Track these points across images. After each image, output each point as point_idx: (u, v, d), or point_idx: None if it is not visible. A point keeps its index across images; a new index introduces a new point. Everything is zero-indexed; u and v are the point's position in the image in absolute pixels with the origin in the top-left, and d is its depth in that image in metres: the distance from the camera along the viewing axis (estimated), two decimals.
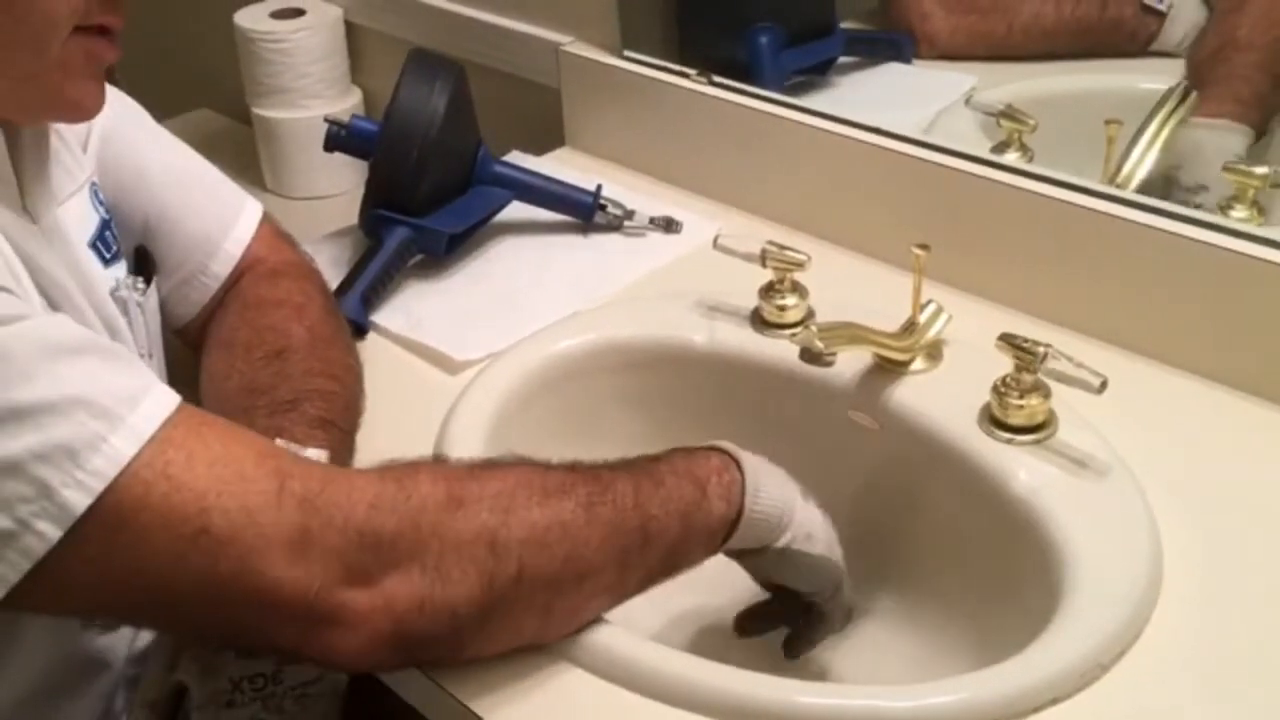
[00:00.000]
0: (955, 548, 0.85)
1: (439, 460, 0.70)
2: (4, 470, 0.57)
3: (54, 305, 0.70)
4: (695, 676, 0.68)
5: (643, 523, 0.69)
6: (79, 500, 0.58)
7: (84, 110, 0.73)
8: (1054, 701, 0.66)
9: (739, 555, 0.76)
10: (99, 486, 0.58)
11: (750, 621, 0.84)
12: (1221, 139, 0.97)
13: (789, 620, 0.82)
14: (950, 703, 0.66)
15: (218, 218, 0.89)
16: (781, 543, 0.74)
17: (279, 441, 0.76)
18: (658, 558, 0.70)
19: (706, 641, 0.88)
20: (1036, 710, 0.66)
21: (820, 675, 0.85)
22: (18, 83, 0.68)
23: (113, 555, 0.60)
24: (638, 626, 0.73)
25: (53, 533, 0.58)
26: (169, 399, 0.63)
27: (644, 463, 0.72)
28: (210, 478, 0.60)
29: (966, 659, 0.78)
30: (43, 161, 0.74)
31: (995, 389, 0.82)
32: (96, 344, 0.64)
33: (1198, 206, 0.93)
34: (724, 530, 0.72)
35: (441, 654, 0.67)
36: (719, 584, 0.91)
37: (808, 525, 0.75)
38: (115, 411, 0.60)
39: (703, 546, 0.72)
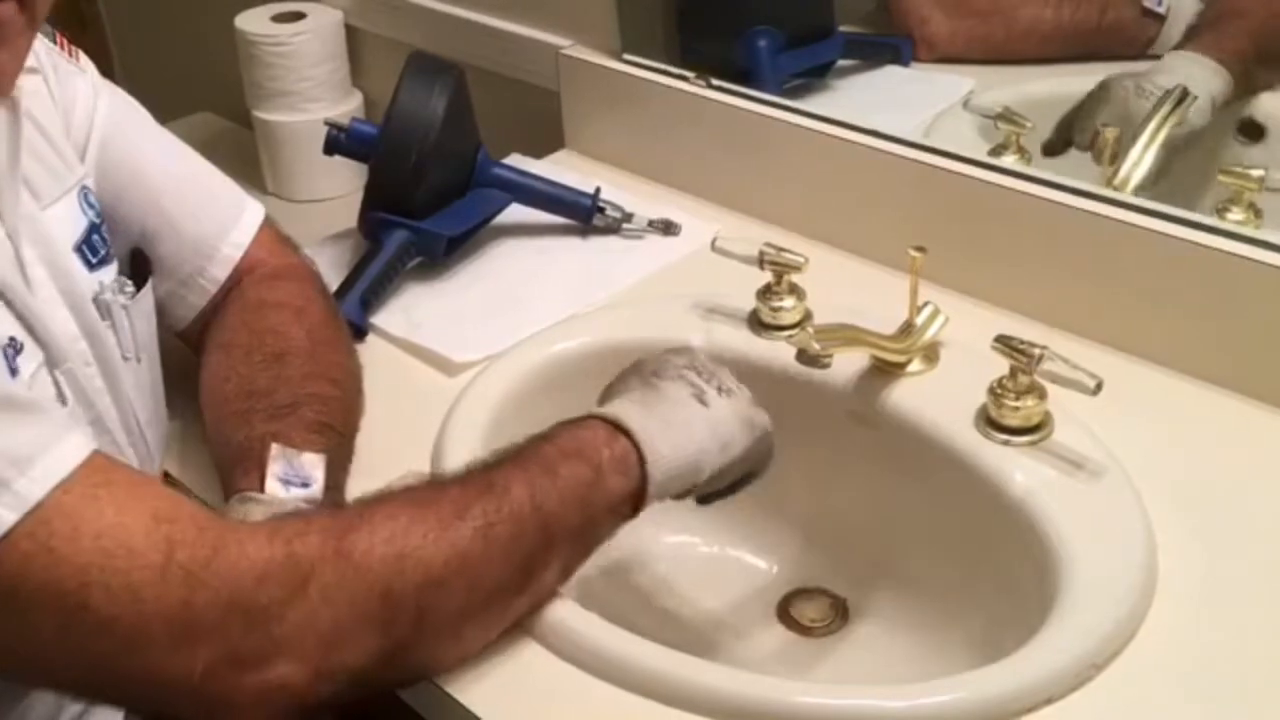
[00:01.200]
0: (951, 548, 0.85)
1: (330, 507, 0.69)
2: None
3: (9, 304, 0.69)
4: (694, 677, 0.68)
5: (543, 523, 0.68)
6: None
7: None
8: (1048, 701, 0.67)
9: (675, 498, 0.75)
10: (9, 521, 0.57)
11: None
12: (1200, 69, 0.99)
13: None
14: (945, 702, 0.66)
15: (217, 221, 0.89)
16: (706, 474, 0.74)
17: (274, 447, 0.76)
18: (566, 551, 0.70)
19: (705, 641, 0.88)
20: (1031, 710, 0.66)
21: (816, 675, 0.85)
22: None
23: (30, 578, 0.58)
24: (635, 627, 0.73)
25: None
26: (69, 458, 0.60)
27: (534, 451, 0.70)
28: (94, 551, 0.58)
29: (962, 659, 0.78)
30: (14, 158, 0.73)
31: (991, 390, 0.82)
32: (14, 398, 0.62)
33: (1149, 96, 0.97)
34: (629, 503, 0.71)
35: (352, 699, 0.65)
36: (717, 584, 0.92)
37: (718, 437, 0.74)
38: (2, 475, 0.58)
39: (609, 523, 0.72)
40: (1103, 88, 1.02)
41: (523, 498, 0.67)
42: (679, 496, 0.75)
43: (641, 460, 0.71)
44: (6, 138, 0.72)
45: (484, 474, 0.69)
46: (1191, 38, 1.02)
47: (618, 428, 0.72)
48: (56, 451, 0.60)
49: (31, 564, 0.58)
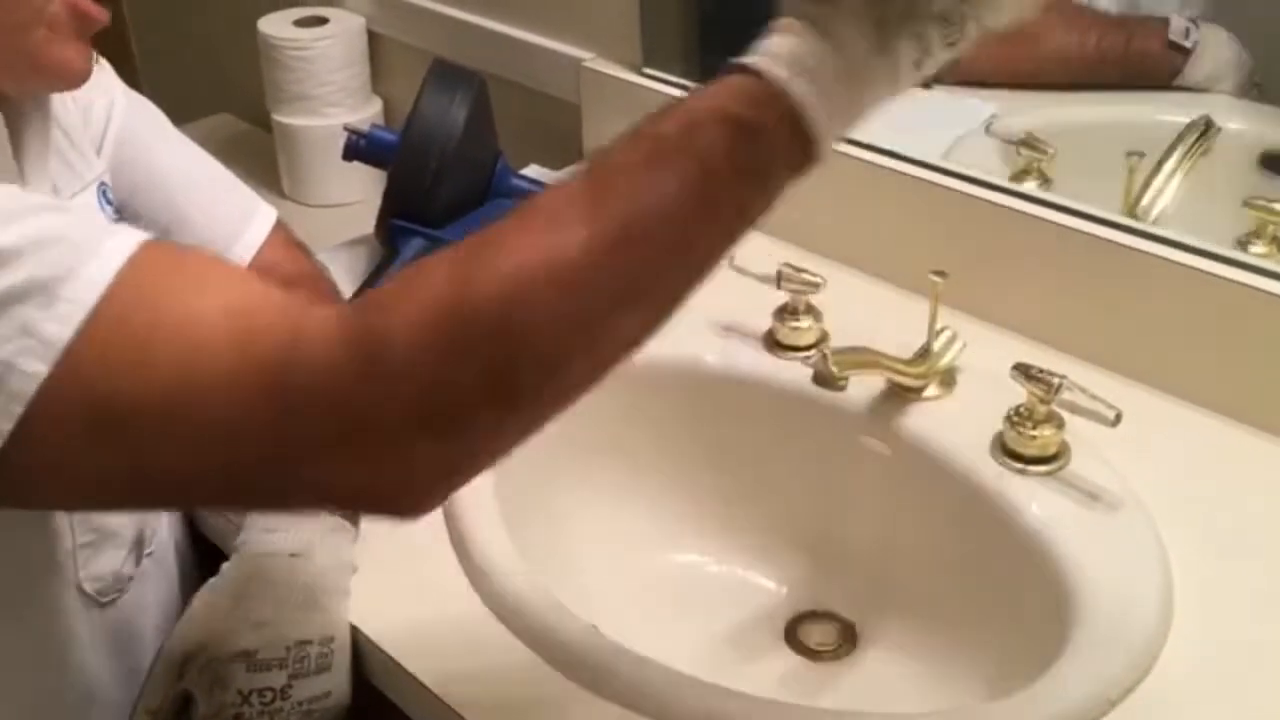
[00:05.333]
0: (964, 577, 0.84)
1: (415, 272, 0.56)
2: None
3: None
4: (706, 703, 0.67)
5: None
6: (60, 333, 0.54)
7: (71, 73, 0.71)
8: None
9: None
10: (79, 316, 0.54)
11: None
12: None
13: None
14: None
15: (229, 222, 0.89)
16: None
17: None
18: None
19: (710, 663, 0.87)
20: None
21: (822, 701, 0.85)
22: (2, 39, 0.67)
23: (90, 414, 0.54)
24: (641, 646, 0.72)
25: (39, 368, 0.53)
26: (136, 234, 0.58)
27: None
28: (175, 352, 0.54)
29: (972, 690, 0.77)
30: (44, 153, 0.74)
31: (1009, 418, 0.82)
32: (55, 202, 0.62)
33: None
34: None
35: (504, 455, 0.57)
36: (725, 605, 0.91)
37: None
38: (86, 245, 0.55)
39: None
40: None
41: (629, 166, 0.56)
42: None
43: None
44: (38, 133, 0.73)
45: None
46: None
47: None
48: (124, 230, 0.57)
49: (116, 374, 0.54)
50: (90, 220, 0.59)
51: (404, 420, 0.54)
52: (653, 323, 0.57)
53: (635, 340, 0.57)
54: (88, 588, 0.78)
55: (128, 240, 0.57)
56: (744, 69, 0.56)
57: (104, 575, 0.78)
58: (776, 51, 0.56)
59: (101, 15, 0.70)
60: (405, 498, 0.57)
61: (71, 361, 0.54)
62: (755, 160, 0.55)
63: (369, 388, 0.54)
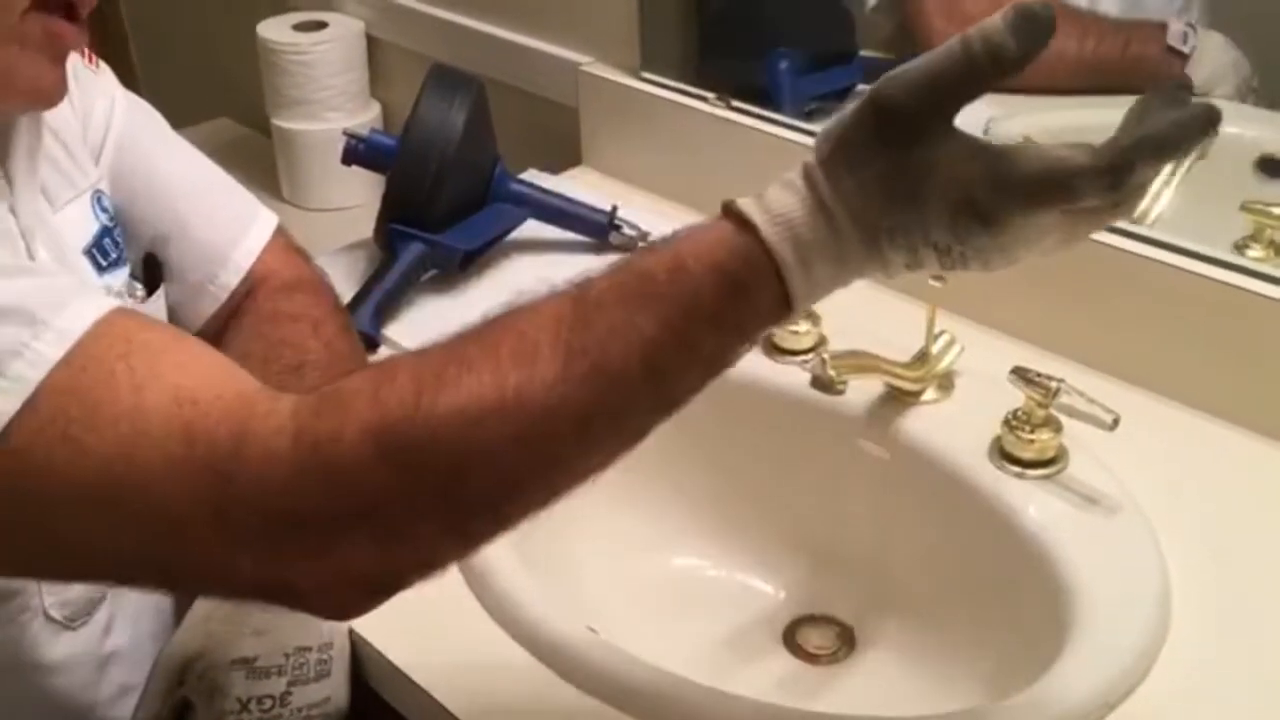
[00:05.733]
0: (963, 580, 0.84)
1: (380, 377, 0.55)
2: None
3: None
4: (705, 706, 0.67)
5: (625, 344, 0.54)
6: (3, 405, 0.53)
7: (42, 95, 0.70)
8: None
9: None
10: (24, 392, 0.54)
11: None
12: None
13: None
14: None
15: (229, 228, 0.89)
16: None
17: None
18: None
19: (709, 666, 0.87)
20: None
21: (820, 704, 0.85)
22: None
23: (10, 492, 0.54)
24: (639, 650, 0.72)
25: None
26: (101, 302, 0.57)
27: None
28: (115, 440, 0.54)
29: (970, 693, 0.77)
30: (34, 161, 0.73)
31: (1006, 422, 0.82)
32: (20, 265, 0.61)
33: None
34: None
35: (440, 574, 0.57)
36: (724, 608, 0.91)
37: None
38: (42, 316, 0.55)
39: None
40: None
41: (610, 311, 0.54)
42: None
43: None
44: (27, 142, 0.73)
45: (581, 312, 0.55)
46: None
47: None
48: (85, 298, 0.57)
49: (55, 455, 0.54)
50: (53, 286, 0.58)
51: (346, 524, 0.54)
52: (614, 456, 0.56)
53: (595, 470, 0.56)
54: (55, 614, 0.77)
55: (88, 310, 0.56)
56: (741, 220, 0.55)
57: (72, 601, 0.78)
58: (777, 211, 0.55)
59: (73, 35, 0.68)
60: (338, 597, 0.57)
61: (9, 437, 0.54)
62: (737, 314, 0.55)
63: (315, 489, 0.53)
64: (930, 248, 0.55)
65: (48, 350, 0.55)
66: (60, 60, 0.70)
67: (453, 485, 0.54)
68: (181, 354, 0.59)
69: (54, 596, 0.77)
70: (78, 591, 0.78)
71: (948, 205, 0.54)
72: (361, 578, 0.55)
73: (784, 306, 0.55)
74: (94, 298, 0.58)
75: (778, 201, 0.56)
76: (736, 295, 0.54)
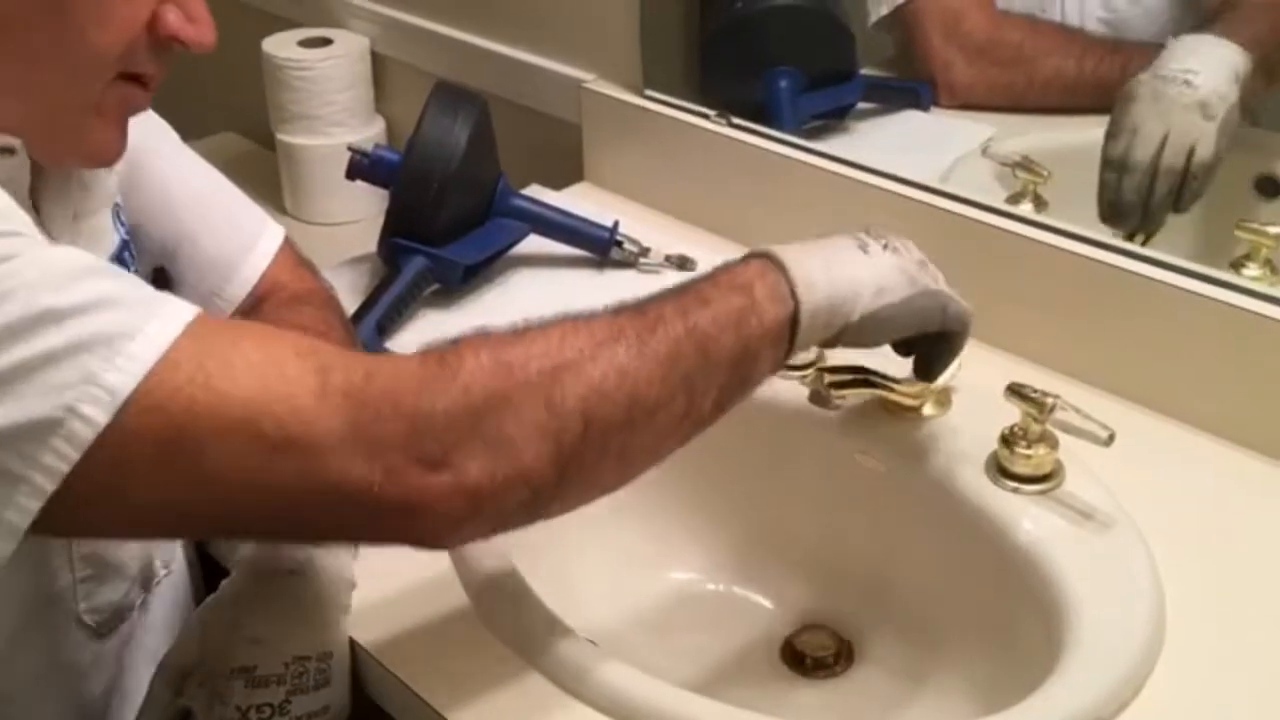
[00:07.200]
0: (959, 594, 0.85)
1: (480, 331, 0.65)
2: (46, 360, 0.56)
3: None
4: (701, 719, 0.68)
5: (699, 344, 0.67)
6: (122, 383, 0.56)
7: (104, 157, 0.73)
8: None
9: (825, 344, 0.76)
10: (140, 370, 0.56)
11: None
12: (1224, 50, 0.98)
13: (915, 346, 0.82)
14: None
15: (237, 241, 0.90)
16: (856, 317, 0.73)
17: None
18: (724, 374, 0.69)
19: (706, 679, 0.88)
20: None
21: (823, 719, 0.85)
22: (48, 114, 0.68)
23: (160, 448, 0.57)
24: (637, 663, 0.73)
25: (99, 417, 0.56)
26: (191, 306, 0.61)
27: (687, 285, 0.70)
28: (254, 383, 0.58)
29: (968, 707, 0.78)
30: (65, 178, 0.75)
31: (1003, 438, 0.82)
32: (114, 267, 0.64)
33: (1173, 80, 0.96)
34: (784, 331, 0.70)
35: (525, 518, 0.65)
36: (721, 622, 0.91)
37: (875, 281, 0.74)
38: (147, 306, 0.59)
39: (769, 351, 0.71)
40: (1124, 99, 0.99)
41: (675, 319, 0.67)
42: (832, 342, 0.75)
43: (793, 287, 0.70)
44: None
45: (635, 305, 0.68)
46: (1210, 21, 1.01)
47: (771, 260, 0.71)
48: (178, 300, 0.61)
49: (197, 405, 0.57)
50: (144, 286, 0.62)
51: (465, 429, 0.61)
52: (666, 439, 0.69)
53: (663, 438, 0.69)
54: (88, 619, 0.79)
55: (186, 306, 0.60)
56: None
57: (104, 608, 0.79)
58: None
59: (145, 103, 0.72)
60: (450, 513, 0.61)
61: (138, 408, 0.57)
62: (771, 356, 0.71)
63: (439, 393, 0.61)
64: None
65: (160, 332, 0.58)
66: (125, 124, 0.72)
67: (553, 389, 0.63)
68: (285, 330, 0.67)
69: (88, 603, 0.78)
70: (111, 598, 0.80)
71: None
72: (474, 489, 0.61)
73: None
74: (179, 300, 0.62)
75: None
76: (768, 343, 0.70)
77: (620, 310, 0.67)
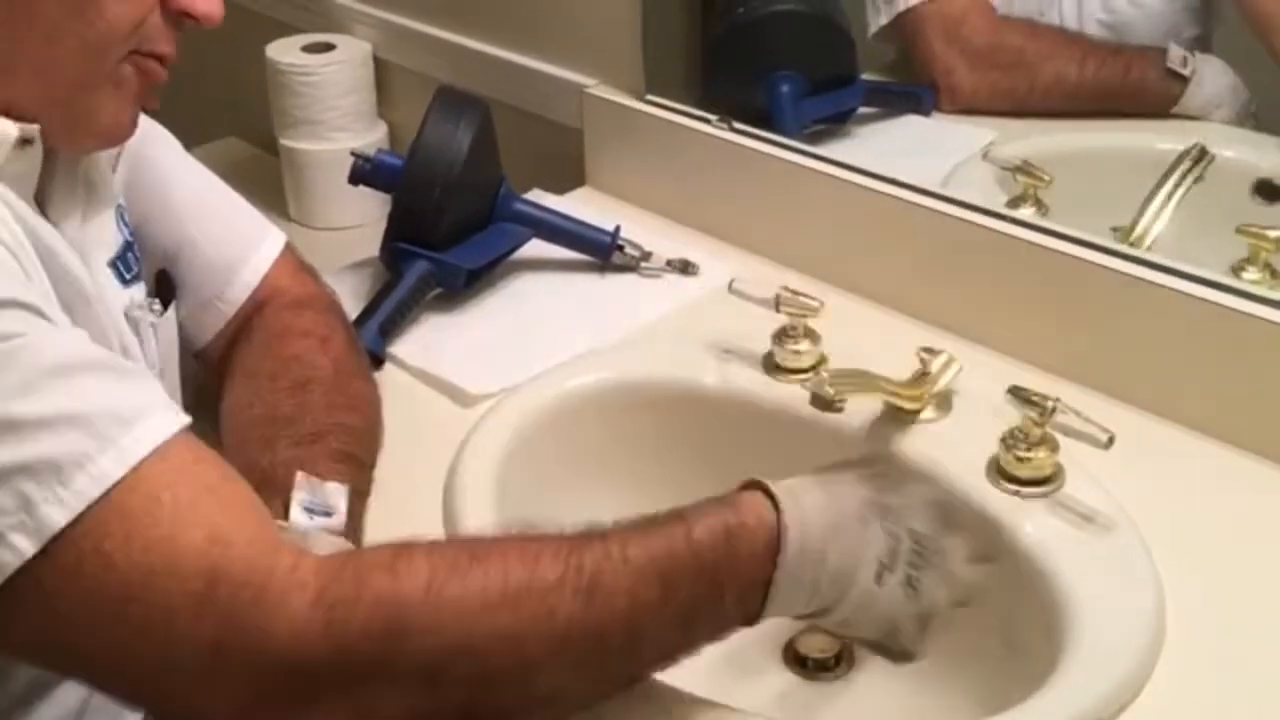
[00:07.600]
0: None
1: (399, 555, 0.61)
2: None
3: (69, 306, 0.69)
4: (699, 717, 0.68)
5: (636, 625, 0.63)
6: (55, 518, 0.57)
7: (119, 132, 0.74)
8: None
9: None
10: (78, 506, 0.57)
11: None
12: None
13: None
14: None
15: (237, 246, 0.90)
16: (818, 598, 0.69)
17: (299, 476, 0.75)
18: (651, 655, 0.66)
19: (707, 680, 0.88)
20: None
21: None
22: (65, 91, 0.69)
23: (77, 583, 0.57)
24: None
25: (27, 548, 0.57)
26: (168, 421, 0.61)
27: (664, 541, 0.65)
28: (141, 565, 0.57)
29: (968, 709, 0.78)
30: (73, 177, 0.76)
31: (1003, 441, 0.82)
32: (104, 361, 0.63)
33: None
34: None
35: None
36: None
37: (859, 601, 0.68)
38: (117, 425, 0.58)
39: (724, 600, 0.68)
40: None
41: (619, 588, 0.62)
42: (806, 615, 0.70)
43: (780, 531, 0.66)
44: (69, 162, 0.75)
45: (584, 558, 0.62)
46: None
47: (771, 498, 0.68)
48: (138, 431, 0.59)
49: (84, 565, 0.57)
50: (123, 396, 0.61)
51: (333, 687, 0.58)
52: (581, 693, 0.64)
53: (566, 696, 0.63)
54: None
55: (153, 433, 0.59)
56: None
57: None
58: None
59: (161, 77, 0.73)
60: None
61: (57, 548, 0.57)
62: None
63: (319, 647, 0.57)
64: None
65: (111, 468, 0.58)
66: (140, 100, 0.73)
67: (437, 672, 0.59)
68: (226, 493, 0.63)
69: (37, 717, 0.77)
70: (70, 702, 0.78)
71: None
72: None
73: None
74: (159, 415, 0.61)
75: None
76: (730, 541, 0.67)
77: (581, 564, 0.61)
